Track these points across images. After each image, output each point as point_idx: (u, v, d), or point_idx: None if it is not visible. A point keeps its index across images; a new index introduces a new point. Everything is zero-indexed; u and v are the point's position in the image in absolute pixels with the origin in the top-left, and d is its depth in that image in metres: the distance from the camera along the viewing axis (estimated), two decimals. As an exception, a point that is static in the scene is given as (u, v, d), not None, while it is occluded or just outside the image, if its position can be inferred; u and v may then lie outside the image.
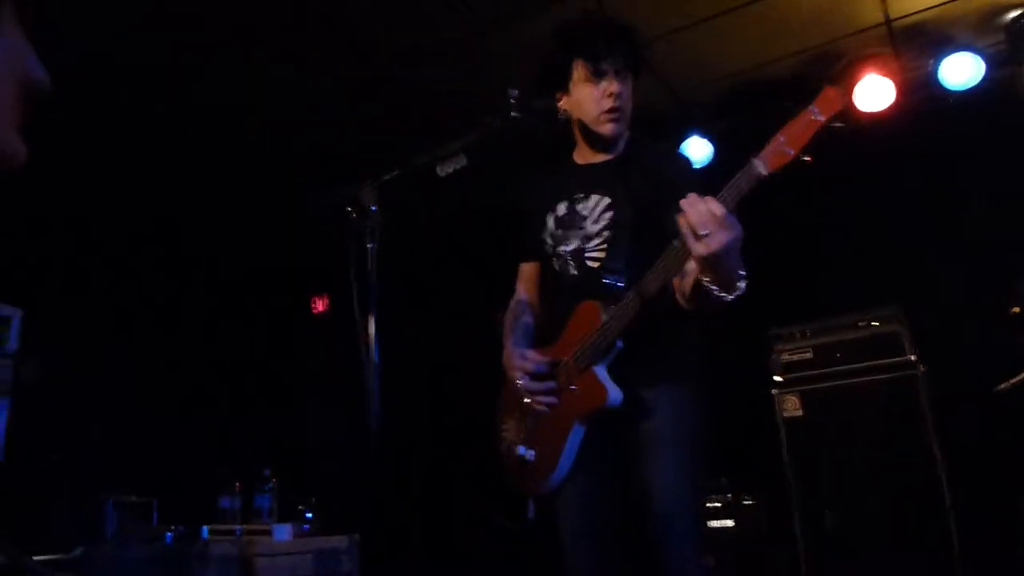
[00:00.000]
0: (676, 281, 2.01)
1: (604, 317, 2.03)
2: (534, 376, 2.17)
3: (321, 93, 4.71)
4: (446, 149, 1.79)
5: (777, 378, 4.40)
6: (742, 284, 1.79)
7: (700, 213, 1.68)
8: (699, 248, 1.68)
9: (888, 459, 3.98)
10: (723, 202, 1.70)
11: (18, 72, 0.72)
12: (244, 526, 3.76)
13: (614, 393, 2.00)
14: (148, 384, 5.18)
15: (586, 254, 2.24)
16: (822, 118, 1.64)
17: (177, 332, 5.67)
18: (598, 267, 2.19)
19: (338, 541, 3.85)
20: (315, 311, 6.93)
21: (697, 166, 4.82)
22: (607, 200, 2.23)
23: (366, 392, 1.62)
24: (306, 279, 6.69)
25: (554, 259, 2.32)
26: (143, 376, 5.18)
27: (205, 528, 3.70)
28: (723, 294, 1.79)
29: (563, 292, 2.27)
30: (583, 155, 2.39)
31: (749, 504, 4.40)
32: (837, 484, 4.08)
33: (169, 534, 3.64)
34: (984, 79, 4.38)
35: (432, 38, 4.27)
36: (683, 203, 1.71)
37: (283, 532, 3.70)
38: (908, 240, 4.54)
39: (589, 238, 2.24)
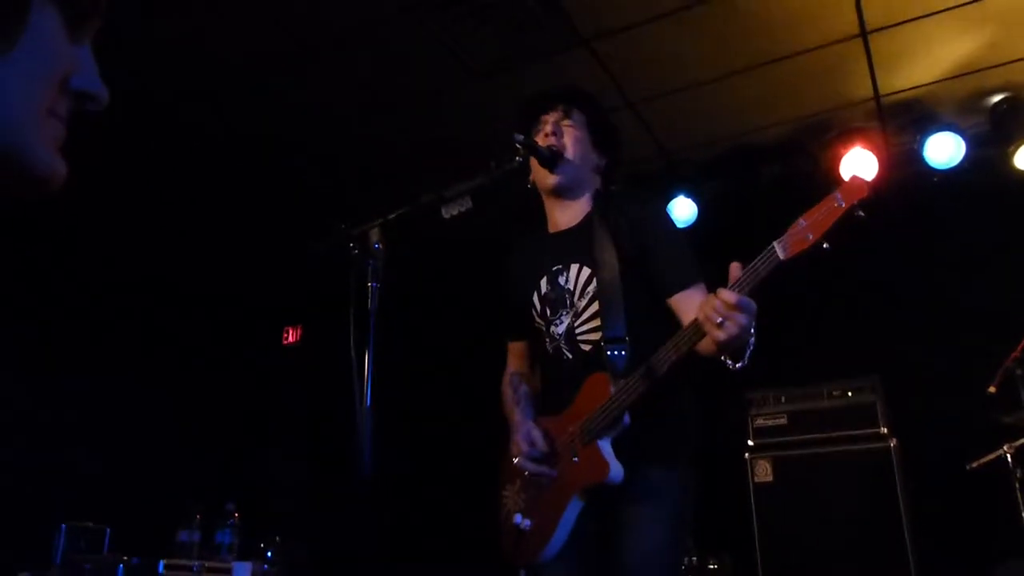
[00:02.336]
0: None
1: (612, 390, 2.00)
2: (533, 459, 2.13)
3: (317, 128, 4.70)
4: (452, 191, 1.77)
5: (750, 442, 4.39)
6: (750, 349, 1.82)
7: (715, 306, 1.73)
8: (718, 334, 1.74)
9: (856, 530, 3.98)
10: (740, 287, 1.73)
11: (54, 79, 0.66)
12: (202, 562, 3.61)
13: (615, 469, 1.97)
14: (113, 409, 5.03)
15: (578, 334, 2.19)
16: (844, 205, 1.64)
17: (145, 356, 5.53)
18: (595, 344, 2.14)
19: (299, 583, 3.74)
20: (285, 342, 6.81)
21: (681, 225, 4.97)
22: (588, 271, 2.20)
23: (353, 434, 1.56)
24: (279, 307, 6.59)
25: (547, 340, 2.27)
26: (108, 400, 5.03)
27: (161, 562, 3.54)
28: (736, 364, 1.83)
29: (563, 373, 2.23)
30: (553, 223, 2.38)
31: (714, 568, 4.33)
32: (804, 552, 4.05)
33: (121, 565, 3.48)
34: (966, 159, 4.48)
35: (434, 83, 4.30)
36: (700, 304, 1.80)
37: (243, 571, 3.56)
38: (889, 312, 4.59)
39: (578, 314, 2.20)
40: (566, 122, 2.29)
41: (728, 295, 1.71)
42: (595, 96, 2.46)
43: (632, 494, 2.00)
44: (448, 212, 1.74)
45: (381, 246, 1.62)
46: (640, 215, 2.22)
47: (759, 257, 1.74)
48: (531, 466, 2.13)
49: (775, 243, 1.71)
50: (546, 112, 2.32)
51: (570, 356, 2.20)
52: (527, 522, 2.13)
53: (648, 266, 2.14)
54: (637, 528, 2.00)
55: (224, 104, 4.48)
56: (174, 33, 3.89)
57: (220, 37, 3.94)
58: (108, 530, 3.67)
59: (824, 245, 1.66)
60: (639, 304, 2.12)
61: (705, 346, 1.87)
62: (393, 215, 1.67)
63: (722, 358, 1.84)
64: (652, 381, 1.92)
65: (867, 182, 1.64)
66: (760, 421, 4.43)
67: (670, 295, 2.12)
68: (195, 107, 4.49)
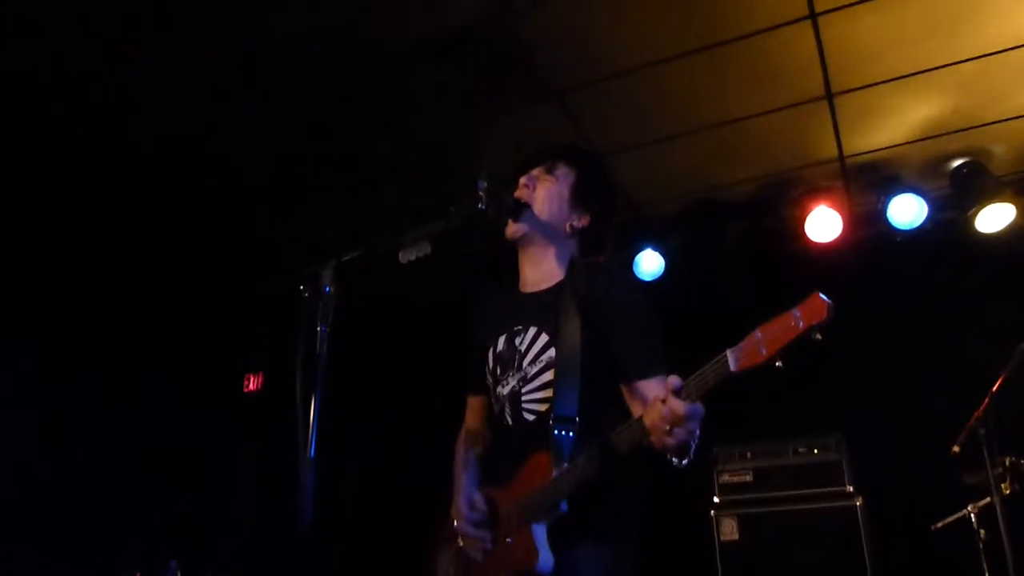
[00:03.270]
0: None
1: (554, 474, 1.93)
2: (474, 523, 2.08)
3: (283, 168, 4.66)
4: (410, 235, 1.73)
5: (716, 499, 4.35)
6: (695, 446, 1.78)
7: (663, 415, 1.70)
8: (667, 441, 1.72)
9: (822, 589, 3.92)
10: (687, 393, 1.69)
11: None
12: (142, 620, 3.45)
13: (544, 559, 1.90)
14: (47, 457, 4.85)
15: (523, 400, 2.12)
16: (802, 325, 1.58)
17: (85, 400, 5.35)
18: (540, 416, 2.07)
19: (244, 642, 3.57)
20: (246, 389, 6.66)
21: (647, 278, 4.98)
22: (546, 337, 2.13)
23: (296, 486, 1.49)
24: (240, 355, 6.47)
25: (493, 401, 2.22)
26: (41, 447, 4.85)
27: (98, 620, 3.37)
28: (682, 462, 1.80)
29: (504, 440, 2.17)
30: (523, 280, 2.32)
31: (680, 628, 4.25)
32: (771, 612, 3.99)
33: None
34: (928, 220, 4.55)
35: (400, 129, 4.30)
36: (646, 408, 1.77)
37: (185, 630, 3.42)
38: (853, 369, 4.60)
39: (526, 380, 2.13)
40: (546, 176, 2.26)
41: (677, 406, 1.68)
42: (592, 156, 2.44)
43: (561, 574, 1.92)
44: (406, 257, 1.70)
45: (332, 289, 1.58)
46: (613, 292, 2.14)
47: (710, 364, 1.68)
48: (471, 530, 2.08)
49: (728, 352, 1.66)
50: (533, 166, 2.30)
51: (510, 422, 2.13)
52: None
53: (612, 346, 2.07)
54: None
55: (169, 123, 4.36)
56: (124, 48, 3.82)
57: (167, 47, 3.84)
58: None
59: (777, 363, 1.61)
60: (596, 384, 2.05)
61: (653, 445, 1.82)
62: (348, 257, 1.63)
63: (667, 456, 1.80)
64: (594, 471, 1.86)
65: (828, 304, 1.56)
66: (726, 477, 4.39)
67: (629, 381, 2.06)
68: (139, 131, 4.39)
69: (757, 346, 1.61)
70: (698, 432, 1.74)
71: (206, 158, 4.50)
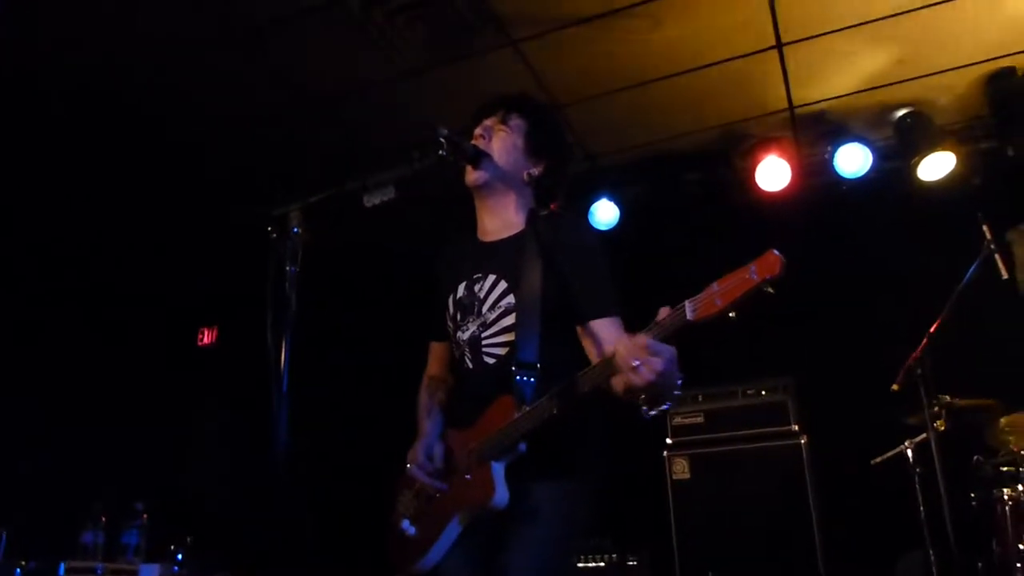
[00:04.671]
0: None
1: (515, 415, 1.99)
2: (428, 472, 2.14)
3: (235, 119, 4.60)
4: (374, 179, 1.75)
5: (668, 440, 4.50)
6: (674, 396, 1.79)
7: (628, 348, 1.73)
8: (633, 378, 1.72)
9: (769, 523, 4.13)
10: (650, 335, 1.73)
11: None
12: (106, 564, 3.48)
13: (500, 494, 1.97)
14: (10, 403, 4.81)
15: (483, 345, 2.17)
16: (756, 279, 1.64)
17: (48, 349, 5.31)
18: (500, 360, 2.12)
19: (210, 585, 3.64)
20: (200, 343, 6.64)
21: (603, 227, 5.05)
22: (504, 284, 2.18)
23: (270, 424, 1.53)
24: (194, 308, 6.43)
25: (454, 346, 2.27)
26: (9, 395, 4.81)
27: (62, 564, 3.40)
28: (651, 412, 1.81)
29: (465, 383, 2.22)
30: (482, 228, 2.36)
31: (632, 565, 4.41)
32: (719, 545, 4.19)
33: (18, 569, 3.32)
34: (873, 169, 4.69)
35: (360, 74, 4.27)
36: (615, 344, 1.79)
37: (150, 573, 3.45)
38: (800, 314, 4.75)
39: (486, 325, 2.17)
40: (500, 126, 2.29)
41: (642, 338, 1.72)
42: (544, 106, 2.44)
43: (516, 512, 1.99)
44: (370, 200, 1.73)
45: (300, 231, 1.60)
46: (571, 240, 2.20)
47: (669, 315, 1.74)
48: (423, 476, 2.14)
49: (687, 302, 1.71)
50: (487, 116, 2.32)
51: (471, 366, 2.18)
52: (412, 529, 2.15)
53: (569, 291, 2.12)
54: (518, 548, 1.98)
55: (132, 96, 4.34)
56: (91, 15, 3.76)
57: (130, 22, 3.80)
58: (4, 533, 3.49)
59: (731, 314, 1.67)
60: (555, 331, 2.10)
61: (617, 387, 1.87)
62: (314, 199, 1.65)
63: (639, 404, 1.81)
64: (555, 413, 1.92)
65: (781, 260, 1.62)
66: (678, 420, 4.55)
67: (583, 322, 2.12)
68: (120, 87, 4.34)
69: (713, 297, 1.68)
70: (670, 380, 1.73)
71: (155, 110, 4.44)
